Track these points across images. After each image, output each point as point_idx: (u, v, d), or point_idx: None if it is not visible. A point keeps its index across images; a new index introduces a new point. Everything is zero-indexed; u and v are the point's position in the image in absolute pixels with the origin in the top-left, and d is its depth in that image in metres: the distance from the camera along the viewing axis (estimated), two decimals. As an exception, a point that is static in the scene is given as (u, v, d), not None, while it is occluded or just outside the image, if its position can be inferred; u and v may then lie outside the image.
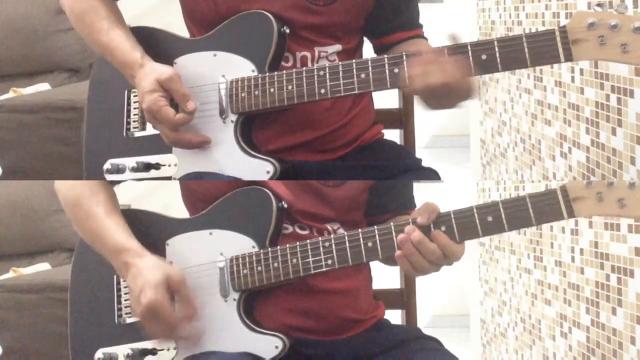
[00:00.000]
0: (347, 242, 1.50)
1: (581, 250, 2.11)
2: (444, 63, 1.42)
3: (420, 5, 1.73)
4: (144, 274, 1.52)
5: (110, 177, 1.66)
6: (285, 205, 1.57)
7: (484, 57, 1.43)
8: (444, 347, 1.64)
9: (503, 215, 1.43)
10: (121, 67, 1.60)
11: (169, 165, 1.62)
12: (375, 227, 1.49)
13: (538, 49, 1.41)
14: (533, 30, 2.41)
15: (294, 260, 1.52)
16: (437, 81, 1.42)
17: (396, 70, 1.48)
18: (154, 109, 1.54)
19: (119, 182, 1.67)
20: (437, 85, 1.43)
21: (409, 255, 1.45)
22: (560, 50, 1.40)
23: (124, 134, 1.67)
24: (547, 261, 2.38)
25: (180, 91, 1.55)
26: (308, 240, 1.52)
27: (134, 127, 1.67)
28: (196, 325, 1.55)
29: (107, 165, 1.67)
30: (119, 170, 1.65)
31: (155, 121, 1.56)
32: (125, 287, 1.63)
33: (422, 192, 1.74)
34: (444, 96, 1.45)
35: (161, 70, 1.56)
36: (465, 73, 1.43)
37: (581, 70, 2.08)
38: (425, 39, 1.72)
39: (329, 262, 1.51)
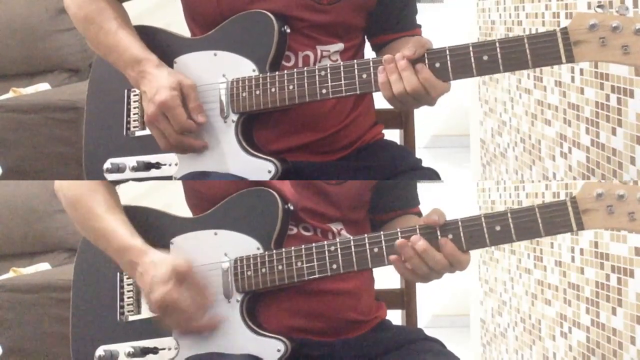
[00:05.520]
0: (352, 247, 1.49)
1: (581, 250, 2.11)
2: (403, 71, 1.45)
3: (420, 5, 1.73)
4: (150, 271, 1.52)
5: (110, 177, 1.66)
6: (292, 207, 1.56)
7: (485, 57, 1.43)
8: (447, 348, 1.64)
9: (511, 225, 1.42)
10: (129, 63, 1.58)
11: (170, 165, 1.62)
12: (382, 232, 1.48)
13: (539, 50, 1.41)
14: (533, 30, 2.42)
15: (299, 264, 1.51)
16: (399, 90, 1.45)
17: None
18: (170, 104, 1.54)
19: (119, 182, 1.67)
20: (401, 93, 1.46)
21: (408, 259, 1.44)
22: (562, 51, 1.40)
23: (124, 133, 1.67)
24: (547, 261, 2.38)
25: (197, 101, 1.56)
26: (314, 244, 1.51)
27: (134, 127, 1.66)
28: (212, 314, 1.54)
29: (107, 165, 1.67)
30: (119, 169, 1.65)
31: (163, 118, 1.55)
32: (128, 285, 1.63)
33: (423, 192, 1.74)
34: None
35: (183, 76, 1.56)
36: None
37: (581, 70, 2.08)
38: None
39: (334, 266, 1.50)
